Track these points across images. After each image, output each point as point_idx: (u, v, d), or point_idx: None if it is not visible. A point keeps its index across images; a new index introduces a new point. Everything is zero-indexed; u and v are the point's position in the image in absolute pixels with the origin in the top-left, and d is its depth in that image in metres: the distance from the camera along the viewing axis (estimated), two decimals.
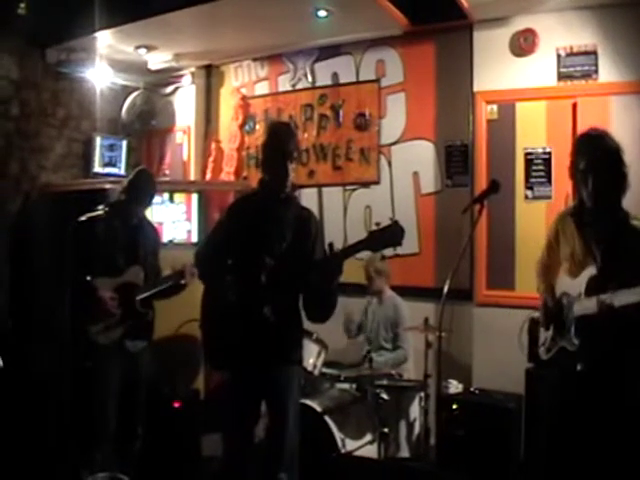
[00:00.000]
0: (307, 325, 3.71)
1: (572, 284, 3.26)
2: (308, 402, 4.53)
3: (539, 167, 5.11)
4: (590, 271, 3.17)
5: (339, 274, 3.32)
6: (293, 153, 3.50)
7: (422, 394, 4.78)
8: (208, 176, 6.94)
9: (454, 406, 4.77)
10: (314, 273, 3.34)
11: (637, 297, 2.88)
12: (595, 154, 3.18)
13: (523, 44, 5.20)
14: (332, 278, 3.34)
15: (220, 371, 3.73)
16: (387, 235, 3.21)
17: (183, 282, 4.39)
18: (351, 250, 3.33)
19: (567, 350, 3.22)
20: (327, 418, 4.50)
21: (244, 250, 3.48)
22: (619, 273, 3.02)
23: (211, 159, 6.96)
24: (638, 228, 3.19)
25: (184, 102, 7.24)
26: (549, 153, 5.07)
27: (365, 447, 4.58)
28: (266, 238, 3.47)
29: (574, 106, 4.95)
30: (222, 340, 3.49)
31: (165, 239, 5.51)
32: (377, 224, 3.26)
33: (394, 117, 5.91)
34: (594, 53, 4.96)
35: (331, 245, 3.33)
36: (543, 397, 3.58)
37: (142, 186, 4.46)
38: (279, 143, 3.51)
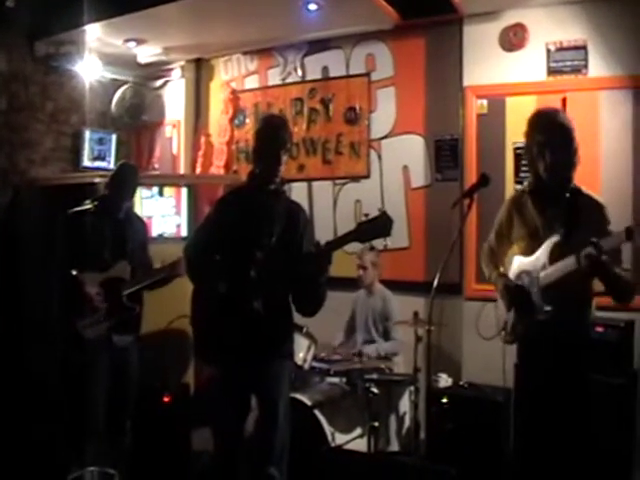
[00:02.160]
0: (297, 319, 3.72)
1: (531, 261, 3.34)
2: (298, 396, 4.55)
3: None
4: (551, 240, 3.25)
5: (328, 265, 3.33)
6: (287, 143, 3.51)
7: (412, 388, 4.79)
8: (198, 170, 6.93)
9: (444, 400, 4.79)
10: (304, 265, 3.35)
11: (616, 240, 2.98)
12: (553, 128, 3.29)
13: (513, 39, 5.20)
14: (322, 270, 3.34)
15: (211, 365, 3.72)
16: (376, 226, 3.22)
17: (177, 273, 4.38)
18: (340, 241, 3.34)
19: (534, 326, 3.29)
20: (317, 412, 4.51)
21: (233, 244, 3.47)
22: (582, 235, 3.07)
23: (201, 153, 6.94)
24: (590, 193, 3.34)
25: (174, 96, 7.22)
26: None
27: (355, 441, 4.60)
28: (255, 231, 3.47)
29: (563, 101, 4.95)
30: (212, 335, 3.49)
31: (155, 233, 5.50)
32: (365, 215, 3.27)
33: (384, 111, 5.90)
34: (584, 48, 4.97)
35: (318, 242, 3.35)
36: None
37: (124, 180, 4.47)
38: (272, 131, 3.52)
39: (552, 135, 3.27)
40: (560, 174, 3.30)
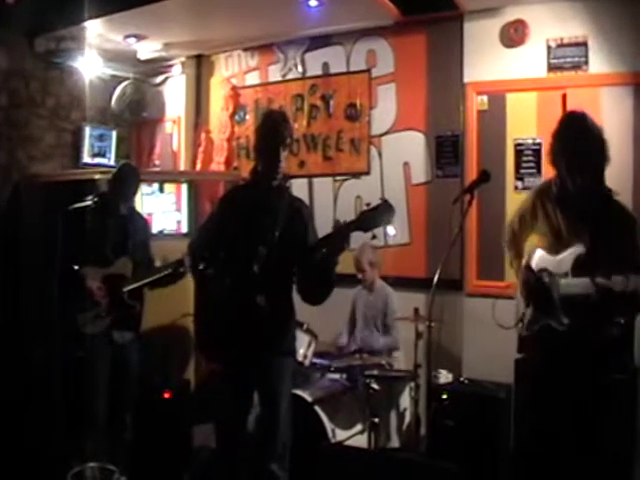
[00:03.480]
0: (298, 315, 3.72)
1: (553, 261, 3.31)
2: (299, 392, 4.55)
3: (529, 158, 5.12)
4: (576, 250, 3.21)
5: (346, 245, 3.32)
6: (286, 139, 3.52)
7: (412, 384, 4.80)
8: (198, 166, 6.92)
9: (444, 396, 4.79)
10: (318, 250, 3.35)
11: (635, 284, 2.94)
12: (584, 135, 3.25)
13: (513, 35, 5.19)
14: (338, 250, 3.34)
15: (214, 362, 3.72)
16: (378, 214, 3.23)
17: (182, 270, 4.37)
18: (344, 230, 3.34)
19: (550, 328, 3.27)
20: (317, 408, 4.52)
21: (237, 240, 3.48)
22: (607, 252, 3.05)
23: (201, 149, 6.93)
24: (621, 204, 3.31)
25: (174, 92, 7.20)
26: (539, 144, 5.07)
27: (355, 437, 4.60)
28: (258, 227, 3.48)
29: (564, 97, 4.96)
30: (216, 331, 3.49)
31: (155, 229, 5.50)
32: (367, 204, 3.27)
33: (385, 107, 5.89)
34: (584, 44, 4.96)
35: (338, 222, 3.35)
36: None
37: (125, 181, 4.49)
38: (273, 128, 3.53)
39: (583, 143, 3.23)
40: (589, 184, 3.26)
